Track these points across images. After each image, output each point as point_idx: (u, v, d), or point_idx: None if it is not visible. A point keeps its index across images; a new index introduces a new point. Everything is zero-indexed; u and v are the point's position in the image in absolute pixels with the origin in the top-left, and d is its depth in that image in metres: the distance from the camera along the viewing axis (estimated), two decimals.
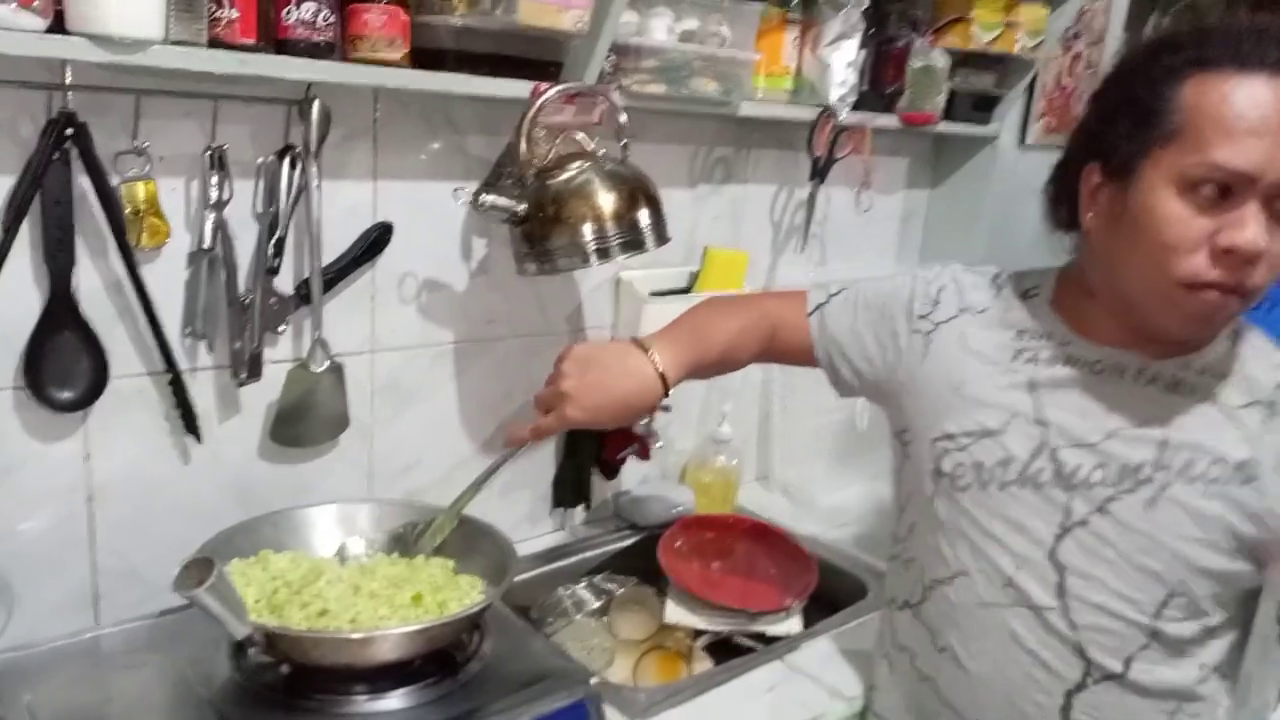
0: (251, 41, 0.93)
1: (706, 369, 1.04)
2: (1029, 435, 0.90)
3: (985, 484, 0.91)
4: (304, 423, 1.15)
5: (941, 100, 1.60)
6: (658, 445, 1.43)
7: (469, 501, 1.07)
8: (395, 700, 0.93)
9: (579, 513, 1.48)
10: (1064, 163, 0.93)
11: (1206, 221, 0.78)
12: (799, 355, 1.08)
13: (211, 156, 1.00)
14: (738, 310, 1.08)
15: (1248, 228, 0.77)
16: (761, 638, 1.27)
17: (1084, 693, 0.89)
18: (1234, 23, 0.80)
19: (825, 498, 1.66)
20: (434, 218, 1.21)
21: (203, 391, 1.08)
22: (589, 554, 1.42)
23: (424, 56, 1.07)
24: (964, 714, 0.94)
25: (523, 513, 1.42)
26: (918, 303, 1.00)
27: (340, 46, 1.01)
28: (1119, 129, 0.83)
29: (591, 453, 1.43)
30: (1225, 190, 0.77)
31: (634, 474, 1.52)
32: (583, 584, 1.35)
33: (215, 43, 0.92)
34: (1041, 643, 0.89)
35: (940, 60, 1.55)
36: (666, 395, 0.98)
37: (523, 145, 1.11)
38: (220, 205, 1.02)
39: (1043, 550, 0.89)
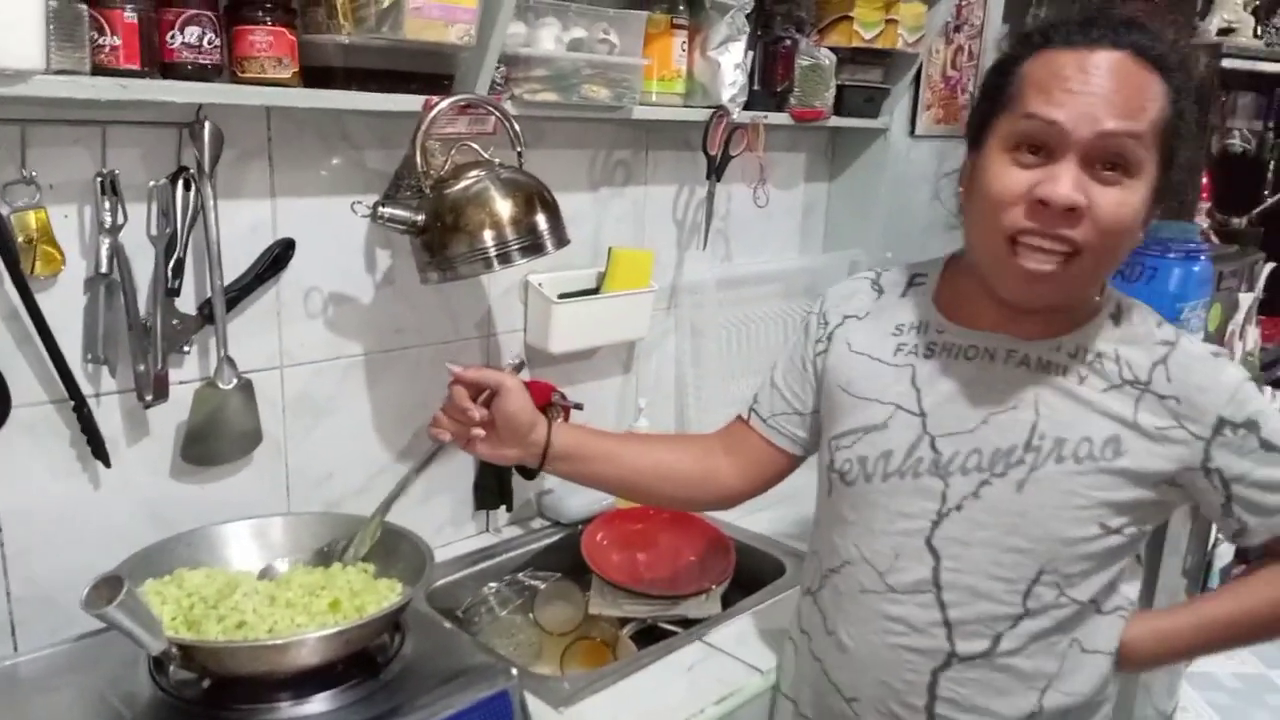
0: (136, 67, 0.95)
1: (602, 451, 1.07)
2: (909, 427, 0.93)
3: (870, 477, 0.95)
4: (216, 441, 1.16)
5: (830, 96, 1.67)
6: None
7: (390, 507, 1.09)
8: (318, 704, 0.94)
9: (501, 514, 1.51)
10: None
11: (1028, 177, 0.83)
12: (764, 460, 1.08)
13: (103, 182, 1.01)
14: (668, 435, 1.13)
15: (1060, 181, 0.80)
16: (684, 621, 1.32)
17: (950, 670, 0.92)
18: (1070, 13, 0.87)
19: None
20: (336, 232, 1.23)
21: (109, 416, 1.08)
22: (513, 553, 1.45)
23: (314, 74, 1.09)
24: (844, 692, 0.98)
25: (445, 517, 1.45)
26: (812, 332, 1.05)
27: (229, 68, 1.03)
28: (977, 109, 0.91)
29: None
30: (1045, 148, 0.82)
31: None
32: (507, 582, 1.38)
33: (99, 70, 0.93)
34: (913, 626, 0.92)
35: (826, 58, 1.62)
36: (548, 444, 1.02)
37: (418, 158, 1.14)
38: (115, 230, 1.02)
39: (920, 537, 0.92)
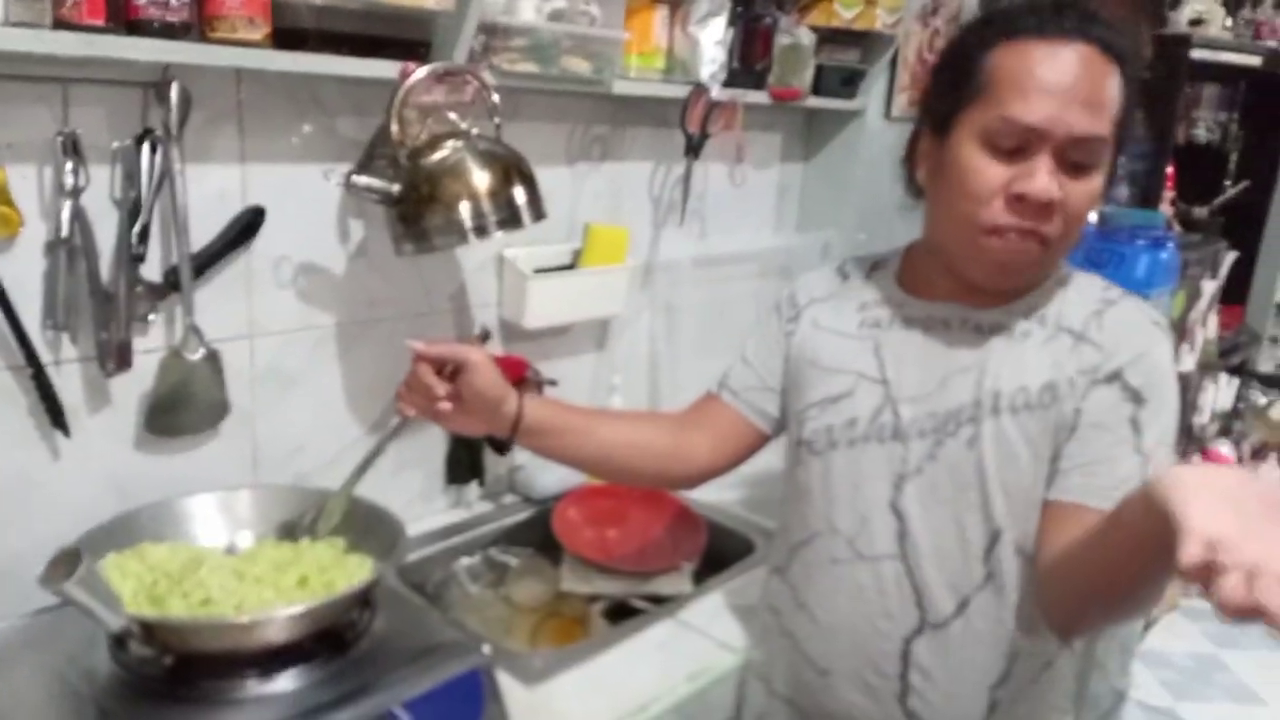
0: (100, 22, 0.91)
1: (573, 425, 1.04)
2: (872, 394, 0.96)
3: (835, 444, 0.97)
4: (181, 411, 1.13)
5: (809, 76, 1.66)
6: None
7: (358, 481, 1.07)
8: (284, 682, 0.92)
9: (473, 489, 1.49)
10: (914, 133, 0.99)
11: (1003, 171, 0.85)
12: (730, 439, 1.08)
13: (64, 142, 0.98)
14: (637, 411, 1.10)
15: (1037, 177, 0.83)
16: (655, 598, 1.32)
17: (921, 638, 0.93)
18: (1037, 1, 0.88)
19: None
20: (308, 201, 1.20)
21: (69, 384, 1.05)
22: (484, 529, 1.44)
23: (287, 36, 1.06)
24: (817, 664, 0.99)
25: (416, 491, 1.43)
26: (783, 312, 1.07)
27: (198, 27, 0.99)
28: (942, 93, 0.91)
29: None
30: (1020, 143, 0.84)
31: None
32: (478, 558, 1.37)
33: (61, 24, 0.89)
34: (883, 592, 0.94)
35: (805, 38, 1.62)
36: (519, 415, 0.99)
37: (394, 126, 1.11)
38: (76, 192, 0.99)
39: (884, 502, 0.94)
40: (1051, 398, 0.90)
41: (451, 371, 0.97)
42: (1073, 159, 0.84)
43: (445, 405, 0.97)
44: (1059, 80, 0.83)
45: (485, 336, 1.05)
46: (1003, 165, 0.85)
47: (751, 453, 1.10)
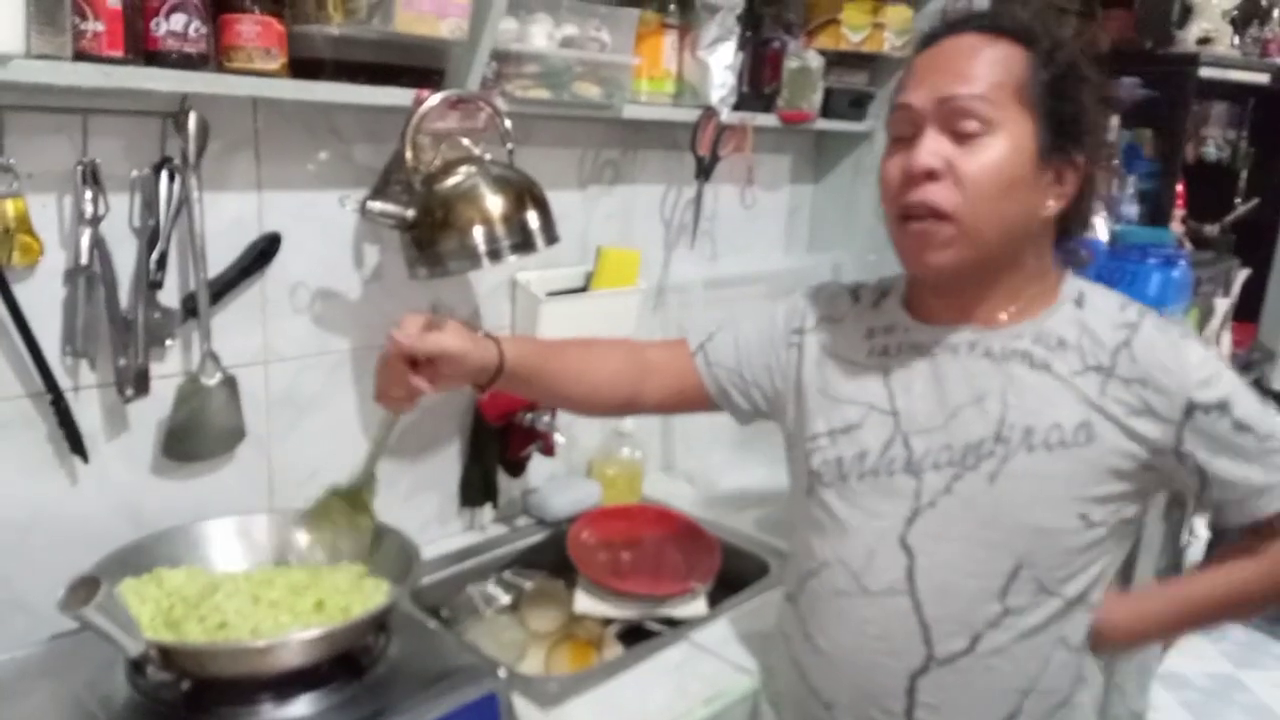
0: (119, 54, 0.93)
1: (546, 372, 1.04)
2: (883, 426, 0.94)
3: (845, 477, 0.95)
4: (198, 437, 1.13)
5: (818, 99, 1.67)
6: (560, 441, 1.46)
7: (378, 460, 1.07)
8: (300, 707, 0.92)
9: (487, 511, 1.49)
10: None
11: (901, 158, 0.90)
12: (686, 395, 1.10)
13: (84, 171, 0.99)
14: (606, 345, 1.12)
15: (918, 151, 0.87)
16: (670, 621, 1.31)
17: (928, 675, 0.91)
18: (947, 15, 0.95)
19: (727, 482, 1.71)
20: (323, 227, 1.21)
21: (88, 410, 1.06)
22: (499, 551, 1.44)
23: (303, 66, 1.07)
24: (822, 696, 0.97)
25: (430, 514, 1.43)
26: (791, 319, 1.07)
27: (215, 57, 1.01)
28: None
29: (495, 452, 1.45)
30: (909, 129, 0.89)
31: (540, 471, 1.54)
32: (492, 581, 1.37)
33: (81, 56, 0.91)
34: (888, 628, 0.92)
35: (814, 61, 1.63)
36: (500, 369, 0.98)
37: (408, 152, 1.13)
38: (95, 221, 1.00)
39: (893, 536, 0.92)
40: (1087, 436, 0.87)
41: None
42: (955, 128, 0.87)
43: (426, 389, 0.96)
44: (930, 65, 0.90)
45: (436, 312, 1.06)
46: (902, 154, 0.90)
47: (694, 411, 1.14)
